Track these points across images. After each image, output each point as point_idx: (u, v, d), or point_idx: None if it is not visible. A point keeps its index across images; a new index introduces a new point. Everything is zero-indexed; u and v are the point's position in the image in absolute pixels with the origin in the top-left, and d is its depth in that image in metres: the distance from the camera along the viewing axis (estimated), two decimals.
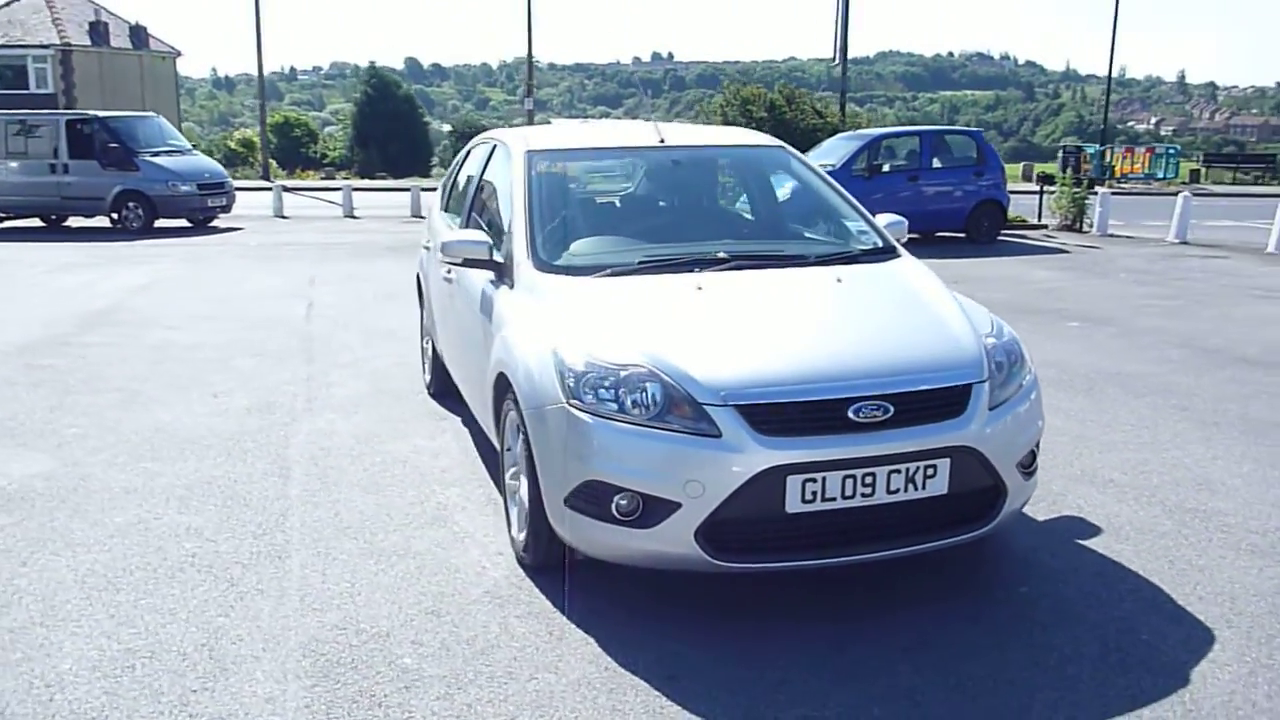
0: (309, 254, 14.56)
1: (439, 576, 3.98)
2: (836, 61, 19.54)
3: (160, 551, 4.22)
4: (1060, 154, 26.25)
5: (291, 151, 47.23)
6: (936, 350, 3.73)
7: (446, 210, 6.22)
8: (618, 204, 5.07)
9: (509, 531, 4.21)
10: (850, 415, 3.42)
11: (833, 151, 15.26)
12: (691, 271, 4.21)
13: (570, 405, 3.52)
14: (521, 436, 3.87)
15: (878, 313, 4.05)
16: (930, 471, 3.50)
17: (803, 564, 3.47)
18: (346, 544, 4.29)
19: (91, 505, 4.73)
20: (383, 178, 35.83)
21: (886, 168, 14.97)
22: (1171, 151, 31.82)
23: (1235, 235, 17.46)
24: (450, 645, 3.45)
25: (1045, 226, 18.16)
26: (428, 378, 6.67)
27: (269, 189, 23.00)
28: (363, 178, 38.83)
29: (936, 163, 15.05)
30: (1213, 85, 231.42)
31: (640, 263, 4.27)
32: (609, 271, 4.18)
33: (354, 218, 21.05)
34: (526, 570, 4.00)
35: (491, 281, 4.52)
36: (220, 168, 19.68)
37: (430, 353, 6.47)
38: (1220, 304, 10.21)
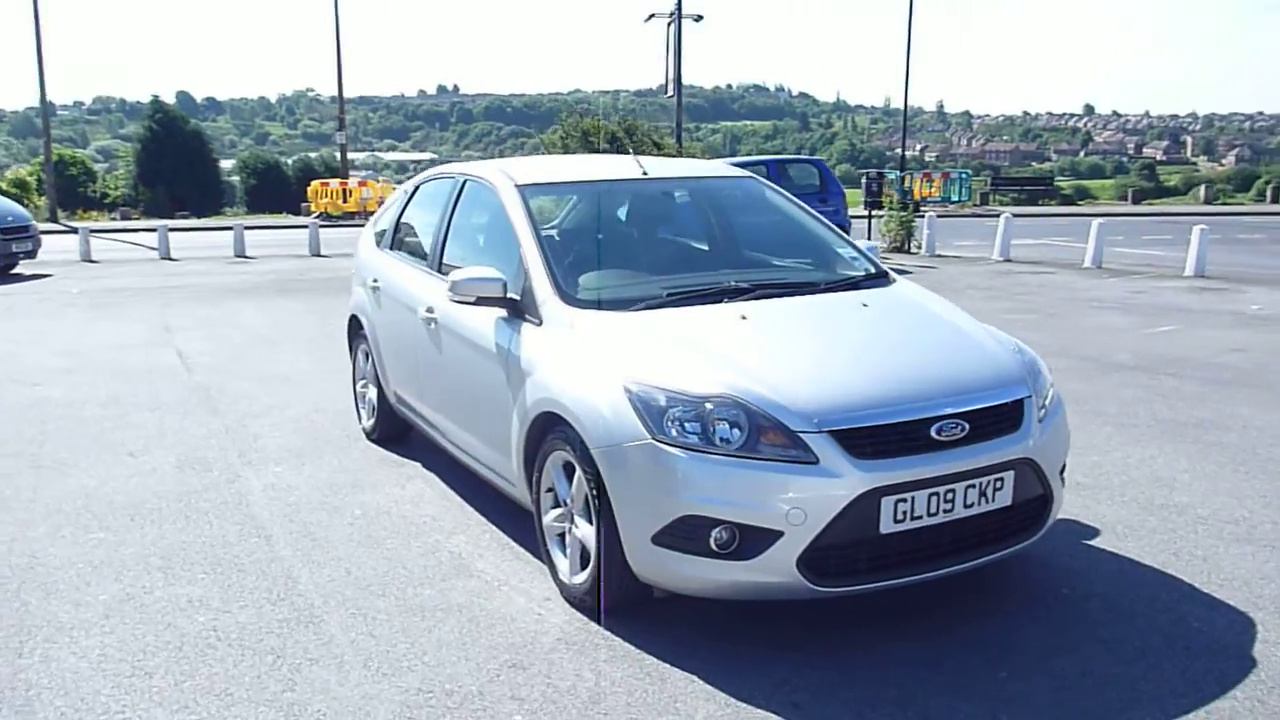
0: (146, 300, 13.61)
1: (498, 628, 3.82)
2: (670, 93, 20.04)
3: (172, 628, 3.86)
4: (864, 180, 27.76)
5: (69, 191, 43.84)
6: (990, 367, 3.90)
7: (395, 249, 5.99)
8: (614, 237, 5.04)
9: (556, 576, 4.09)
10: (933, 434, 3.53)
11: None
12: (720, 302, 4.24)
13: (657, 441, 3.48)
14: (580, 477, 3.78)
15: (921, 334, 4.20)
16: (998, 484, 3.65)
17: (896, 582, 3.54)
18: (377, 602, 4.06)
19: (62, 584, 4.28)
20: (184, 216, 33.92)
21: None
22: (964, 176, 34.31)
23: (1043, 252, 18.98)
24: (554, 698, 3.32)
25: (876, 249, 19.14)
26: (368, 423, 6.39)
27: (63, 231, 21.35)
28: (149, 217, 36.63)
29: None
30: (968, 114, 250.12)
31: (669, 294, 4.27)
32: (642, 305, 4.16)
33: (172, 260, 19.84)
34: (585, 614, 3.90)
35: (504, 320, 4.39)
36: (22, 209, 18.10)
37: (374, 398, 6.20)
38: (1070, 316, 11.07)
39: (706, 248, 5.11)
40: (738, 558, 3.42)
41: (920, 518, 3.50)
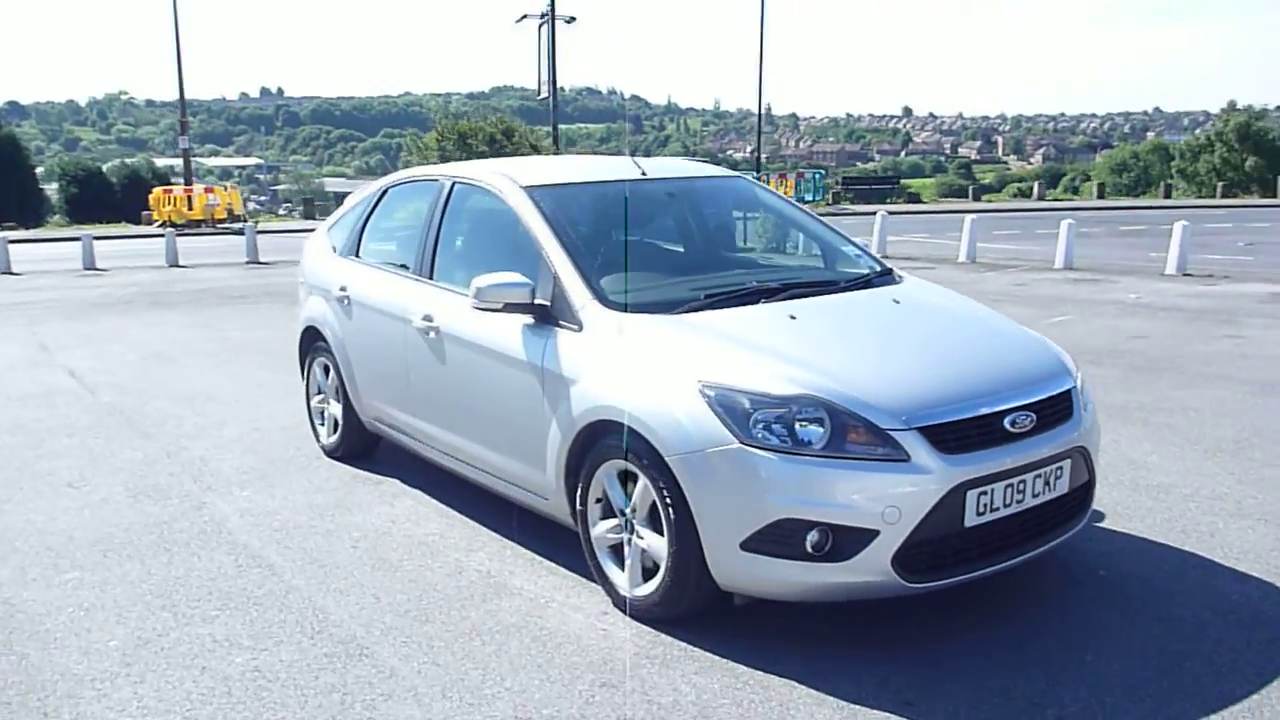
0: (5, 318, 12.56)
1: (567, 646, 3.67)
2: (544, 94, 19.83)
3: (209, 671, 3.55)
4: None
5: None
6: (1038, 359, 4.00)
7: (363, 256, 5.70)
8: (625, 238, 4.92)
9: (612, 589, 3.95)
10: (1007, 426, 3.59)
11: None
12: (757, 302, 4.20)
13: (746, 445, 3.41)
14: (645, 487, 3.68)
15: (965, 330, 4.26)
16: (1058, 472, 3.74)
17: (976, 574, 3.58)
18: (425, 628, 3.84)
19: (56, 631, 3.88)
20: (11, 227, 31.55)
21: None
22: (817, 176, 35.34)
23: (914, 249, 19.70)
24: (661, 715, 3.20)
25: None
26: (329, 440, 6.06)
27: None
28: None
29: None
30: (795, 116, 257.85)
31: (706, 296, 4.20)
32: (685, 307, 4.08)
33: (14, 274, 18.42)
34: (651, 625, 3.78)
35: (531, 328, 4.23)
36: None
37: (338, 413, 5.89)
38: None
39: (715, 246, 5.06)
40: (833, 559, 3.39)
41: (997, 509, 3.55)
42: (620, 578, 3.91)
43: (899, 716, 3.16)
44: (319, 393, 6.15)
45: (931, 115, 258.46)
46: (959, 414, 3.51)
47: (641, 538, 3.79)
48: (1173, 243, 14.12)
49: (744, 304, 4.17)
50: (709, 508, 3.48)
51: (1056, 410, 3.79)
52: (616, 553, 3.96)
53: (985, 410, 3.57)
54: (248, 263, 18.91)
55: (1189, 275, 13.67)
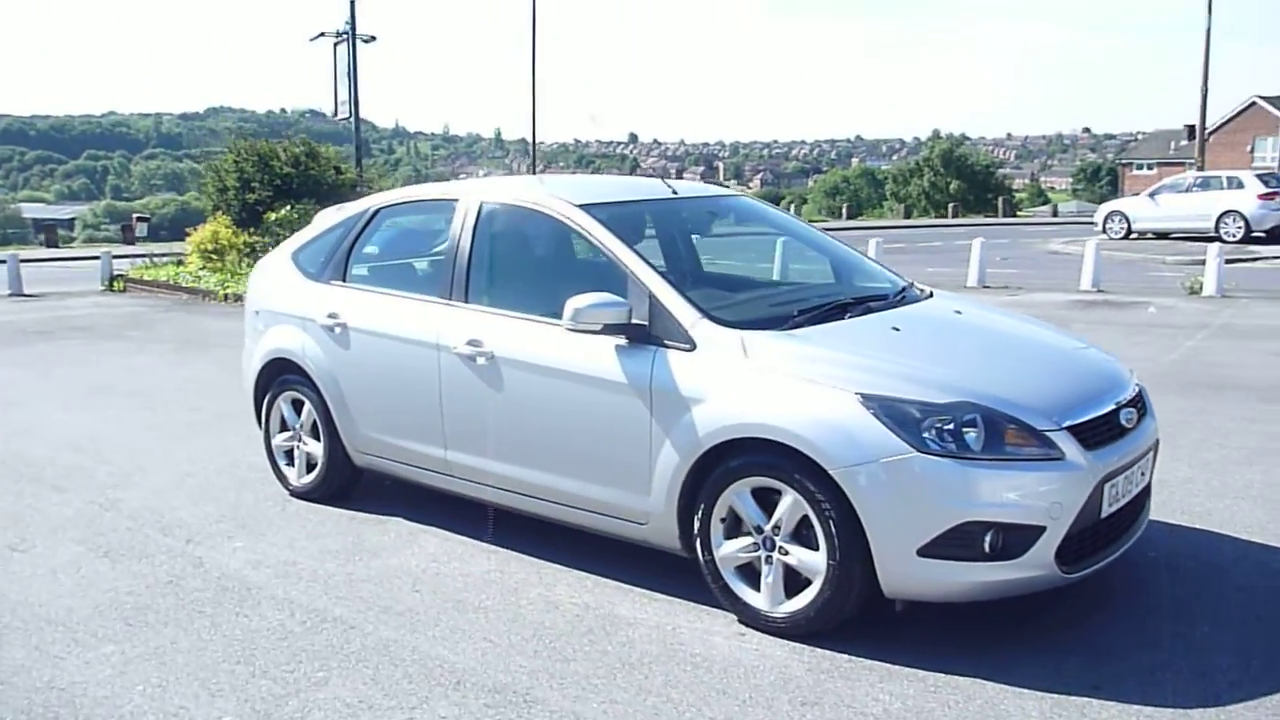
0: None
1: (734, 670, 3.59)
2: (344, 116, 18.92)
3: None
4: None
5: None
6: (1107, 360, 4.33)
7: (353, 281, 5.32)
8: (685, 256, 4.85)
9: (745, 608, 3.90)
10: (1122, 422, 3.87)
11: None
12: (844, 317, 4.30)
13: (921, 453, 3.50)
14: (793, 502, 3.69)
15: (1035, 336, 4.51)
16: (1149, 463, 4.08)
17: (1105, 562, 3.83)
18: (573, 666, 3.65)
19: (148, 711, 3.40)
20: None
21: None
22: None
23: None
24: None
25: None
26: (302, 481, 5.58)
27: None
28: None
29: None
30: (525, 141, 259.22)
31: (800, 312, 4.26)
32: (791, 323, 4.12)
33: None
34: (795, 640, 3.78)
35: (627, 349, 4.12)
36: None
37: (318, 451, 5.45)
38: None
39: (760, 262, 5.12)
40: (1005, 558, 3.53)
41: (1118, 499, 3.82)
42: (755, 596, 3.88)
43: (1103, 700, 3.33)
44: (283, 430, 5.67)
45: (656, 141, 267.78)
46: (1093, 411, 3.77)
47: (786, 553, 3.78)
48: (973, 258, 15.37)
49: (835, 319, 4.26)
50: (882, 517, 3.54)
51: (1144, 405, 4.13)
52: (744, 572, 3.93)
53: (1110, 407, 3.84)
54: (11, 295, 16.91)
55: (988, 287, 14.94)
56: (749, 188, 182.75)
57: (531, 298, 4.61)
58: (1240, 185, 22.27)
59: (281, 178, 17.02)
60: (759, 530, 3.84)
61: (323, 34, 18.80)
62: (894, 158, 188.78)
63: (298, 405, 5.57)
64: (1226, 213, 21.89)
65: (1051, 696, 3.36)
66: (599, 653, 3.76)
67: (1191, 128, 68.56)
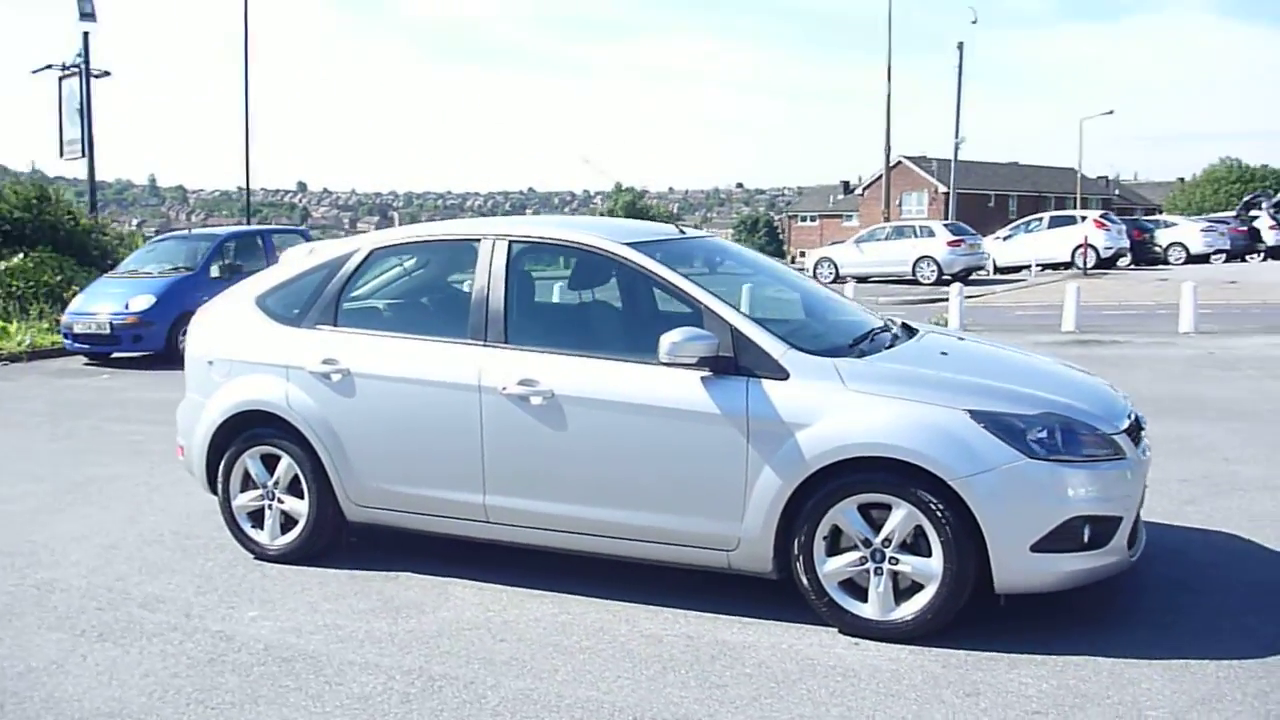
0: None
1: (880, 677, 3.80)
2: (74, 155, 16.82)
3: None
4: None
5: None
6: (1096, 378, 4.97)
7: (349, 325, 5.04)
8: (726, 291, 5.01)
9: (853, 619, 4.12)
10: (1142, 426, 4.51)
11: (176, 254, 13.77)
12: (895, 344, 4.68)
13: (1032, 459, 3.92)
14: (907, 515, 3.99)
15: (1029, 359, 5.05)
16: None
17: (1143, 547, 4.43)
18: (730, 692, 3.72)
19: None
20: None
21: (244, 268, 14.02)
22: None
23: None
24: None
25: None
26: (280, 542, 5.16)
27: None
28: None
29: None
30: (183, 188, 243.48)
31: (855, 341, 4.59)
32: (858, 351, 4.44)
33: None
34: (908, 643, 4.06)
35: (715, 381, 4.25)
36: None
37: (302, 508, 5.08)
38: None
39: (774, 296, 5.39)
40: (1095, 547, 4.02)
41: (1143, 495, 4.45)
42: (863, 607, 4.12)
43: (1245, 660, 3.84)
44: (246, 490, 5.24)
45: (326, 190, 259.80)
46: (1128, 417, 4.36)
47: (897, 563, 4.07)
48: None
49: (889, 346, 4.62)
50: (1000, 520, 3.92)
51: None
52: (849, 587, 4.17)
53: (1132, 413, 4.46)
54: None
55: None
56: None
57: (590, 336, 4.65)
58: (931, 234, 25.30)
59: (12, 222, 15.10)
60: (867, 544, 4.10)
61: (49, 66, 16.84)
62: (566, 210, 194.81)
63: (269, 461, 5.17)
64: (922, 258, 24.77)
65: (1162, 661, 3.85)
66: (744, 676, 3.85)
67: (847, 183, 76.64)
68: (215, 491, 5.38)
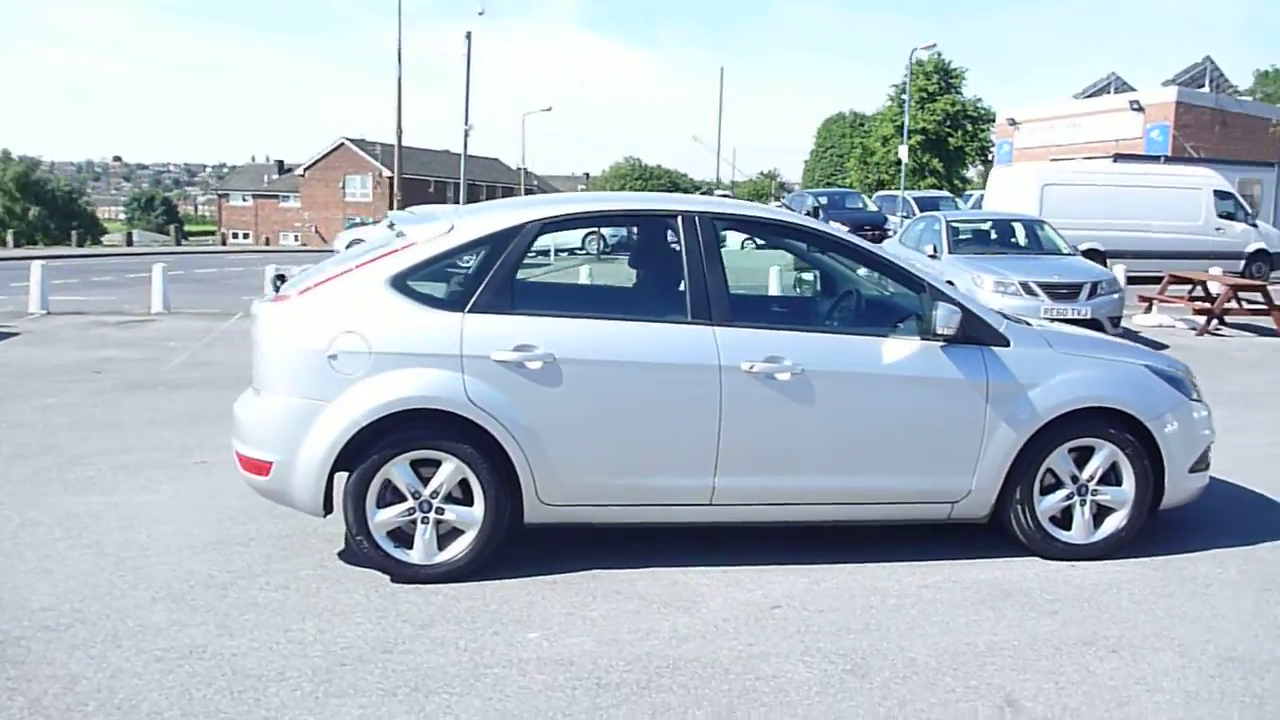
0: None
1: (1129, 589, 4.61)
2: None
3: None
4: None
5: None
6: None
7: (515, 308, 4.54)
8: None
9: (1071, 544, 4.89)
10: None
11: None
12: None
13: (1193, 401, 5.01)
14: (1109, 452, 4.85)
15: None
16: None
17: None
18: (1030, 628, 4.27)
19: None
20: None
21: None
22: None
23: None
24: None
25: None
26: (435, 560, 4.50)
27: None
28: None
29: None
30: None
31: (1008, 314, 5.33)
32: (1022, 324, 5.17)
33: None
34: (1106, 558, 4.90)
35: (951, 350, 4.69)
36: None
37: (480, 516, 4.48)
38: None
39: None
40: (1209, 466, 5.20)
41: None
42: (1069, 534, 4.91)
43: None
44: (392, 505, 4.50)
45: None
46: None
47: (1098, 495, 4.90)
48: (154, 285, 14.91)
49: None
50: (1175, 450, 4.93)
51: None
52: (1055, 521, 4.91)
53: None
54: None
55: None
56: None
57: (816, 312, 4.80)
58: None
59: None
60: (1074, 480, 4.88)
61: None
62: None
63: (421, 470, 4.50)
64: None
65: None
66: (1028, 603, 4.41)
67: (281, 163, 73.61)
68: (327, 512, 4.52)
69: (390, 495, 4.51)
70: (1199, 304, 14.08)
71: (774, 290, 5.27)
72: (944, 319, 4.60)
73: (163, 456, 6.64)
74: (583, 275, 8.89)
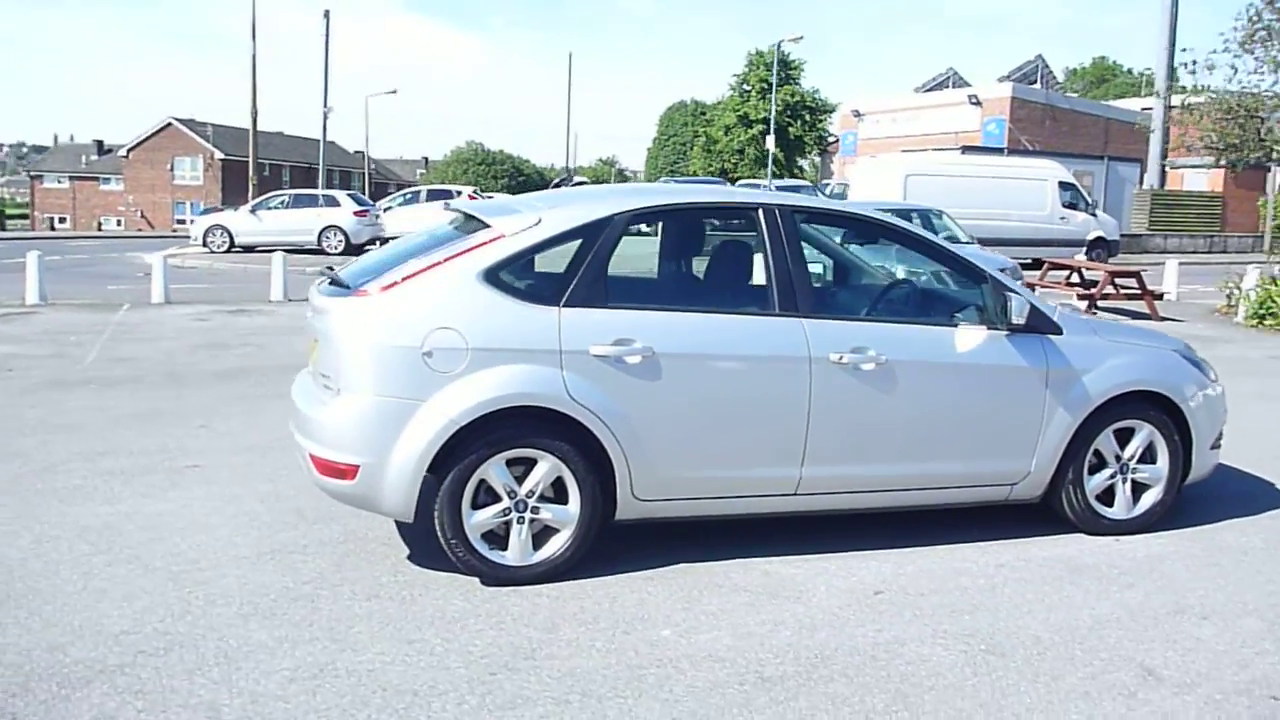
0: None
1: (1190, 561, 4.94)
2: None
3: None
4: None
5: None
6: None
7: (609, 302, 4.45)
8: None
9: (1114, 520, 5.16)
10: None
11: None
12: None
13: (1212, 383, 5.38)
14: (1147, 432, 5.17)
15: None
16: None
17: None
18: (1121, 597, 4.55)
19: None
20: None
21: None
22: None
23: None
24: None
25: None
26: (530, 560, 4.39)
27: None
28: None
29: None
30: None
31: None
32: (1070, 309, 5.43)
33: None
34: (1143, 532, 5.21)
35: (1015, 339, 4.88)
36: None
37: (576, 513, 4.40)
38: (282, 345, 10.89)
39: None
40: (1220, 447, 5.58)
41: None
42: (1113, 511, 5.19)
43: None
44: (487, 506, 4.36)
45: None
46: None
47: (1137, 472, 5.21)
48: (155, 278, 14.61)
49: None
50: (1202, 429, 5.28)
51: None
52: (1100, 498, 5.19)
53: None
54: None
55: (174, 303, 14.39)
56: None
57: (892, 303, 4.89)
58: (336, 203, 24.94)
59: None
60: (1118, 459, 5.17)
61: None
62: None
63: (516, 468, 4.37)
64: (329, 228, 24.33)
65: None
66: (1100, 580, 4.64)
67: (101, 143, 68.87)
68: (415, 517, 4.34)
69: (484, 496, 4.37)
70: (1079, 290, 15.03)
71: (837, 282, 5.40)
72: (1018, 309, 4.79)
73: (145, 460, 6.19)
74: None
